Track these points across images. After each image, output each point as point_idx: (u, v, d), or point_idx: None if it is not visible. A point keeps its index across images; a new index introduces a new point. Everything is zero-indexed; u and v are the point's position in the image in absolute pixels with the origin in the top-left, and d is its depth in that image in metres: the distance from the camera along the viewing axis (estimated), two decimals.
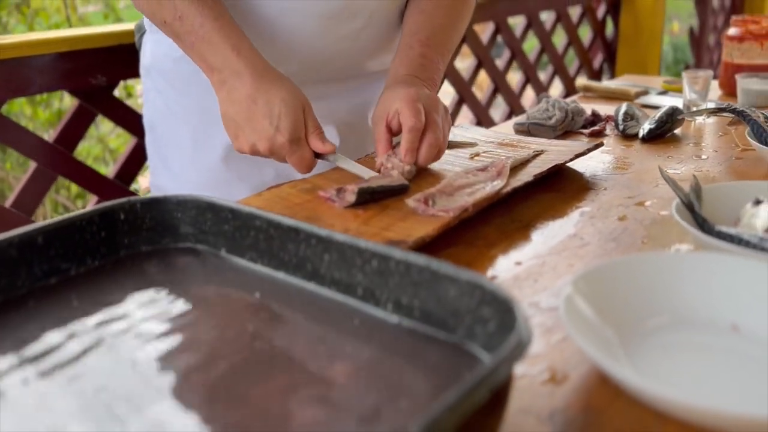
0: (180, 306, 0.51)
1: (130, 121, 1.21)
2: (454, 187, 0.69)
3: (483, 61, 2.02)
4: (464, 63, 2.17)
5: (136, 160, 1.25)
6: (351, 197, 0.67)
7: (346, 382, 0.41)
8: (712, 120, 1.11)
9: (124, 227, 0.59)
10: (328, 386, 0.40)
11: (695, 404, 0.38)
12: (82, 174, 1.17)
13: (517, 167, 0.78)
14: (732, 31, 1.25)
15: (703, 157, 0.92)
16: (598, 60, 2.63)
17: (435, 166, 0.80)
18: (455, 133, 0.93)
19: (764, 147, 0.79)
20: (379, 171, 0.76)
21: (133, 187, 1.29)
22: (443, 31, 0.84)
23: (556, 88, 2.58)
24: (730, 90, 1.27)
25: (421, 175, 0.77)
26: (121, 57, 1.13)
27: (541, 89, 2.29)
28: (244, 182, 0.87)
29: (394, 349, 0.44)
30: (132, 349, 0.45)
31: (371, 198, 0.68)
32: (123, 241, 0.59)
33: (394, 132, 0.77)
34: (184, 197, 0.60)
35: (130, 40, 1.13)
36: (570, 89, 2.39)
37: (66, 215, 0.57)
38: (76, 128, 1.16)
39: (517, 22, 2.22)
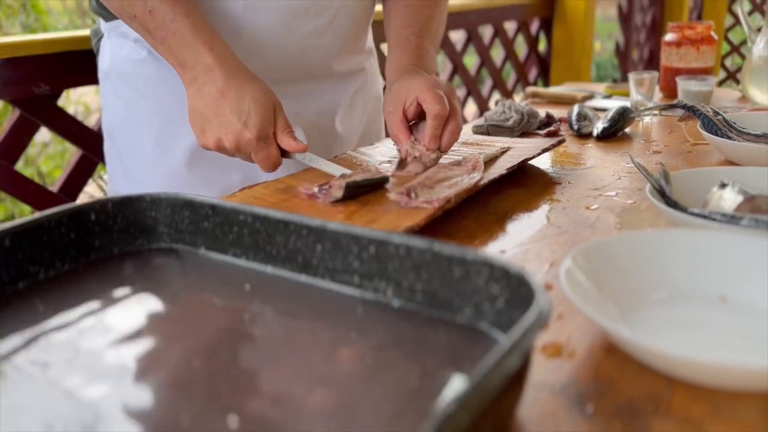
0: (162, 305, 0.49)
1: (75, 132, 1.16)
2: (434, 180, 0.69)
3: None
4: None
5: (81, 173, 1.19)
6: (338, 192, 0.66)
7: (353, 368, 0.40)
8: (657, 120, 1.16)
9: (95, 228, 0.57)
10: (338, 373, 0.39)
11: (704, 360, 0.38)
12: (25, 188, 1.10)
13: (488, 162, 0.79)
14: (669, 36, 1.32)
15: (657, 151, 0.96)
16: (533, 74, 2.71)
17: None
18: None
19: (717, 138, 0.83)
20: (404, 159, 0.77)
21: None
22: (431, 23, 0.87)
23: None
24: (670, 93, 1.33)
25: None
26: (66, 65, 1.08)
27: (482, 101, 2.34)
28: (209, 187, 0.85)
29: (401, 334, 0.43)
30: (111, 356, 0.42)
31: (356, 192, 0.67)
32: (94, 243, 0.56)
33: (409, 120, 0.78)
34: (158, 195, 0.58)
35: (75, 47, 1.08)
36: None
37: (33, 216, 0.54)
38: (17, 140, 1.10)
39: (457, 38, 2.27)
